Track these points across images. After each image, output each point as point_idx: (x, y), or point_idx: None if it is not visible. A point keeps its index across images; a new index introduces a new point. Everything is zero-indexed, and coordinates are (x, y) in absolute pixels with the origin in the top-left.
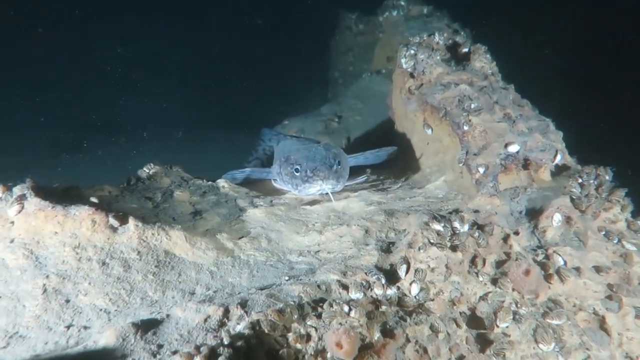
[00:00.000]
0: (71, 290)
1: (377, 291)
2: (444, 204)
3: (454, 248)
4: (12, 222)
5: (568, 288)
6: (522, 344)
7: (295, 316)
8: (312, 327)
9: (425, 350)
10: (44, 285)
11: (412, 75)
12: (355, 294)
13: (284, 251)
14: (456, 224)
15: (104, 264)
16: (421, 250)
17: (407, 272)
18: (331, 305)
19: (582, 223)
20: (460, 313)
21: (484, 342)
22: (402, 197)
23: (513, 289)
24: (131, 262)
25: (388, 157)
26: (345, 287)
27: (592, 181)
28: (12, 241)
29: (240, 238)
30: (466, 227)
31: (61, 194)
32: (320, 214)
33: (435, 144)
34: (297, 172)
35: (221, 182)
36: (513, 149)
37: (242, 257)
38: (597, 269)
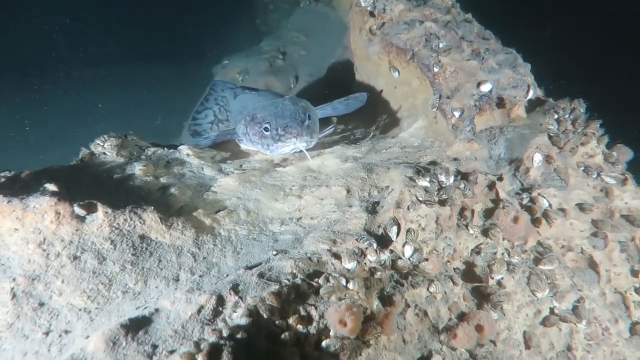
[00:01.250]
0: (43, 291)
1: (371, 257)
2: (422, 154)
3: (442, 203)
4: None
5: (555, 230)
6: (518, 294)
7: (293, 296)
8: (312, 305)
9: (425, 314)
10: (12, 289)
11: (372, 14)
12: (349, 264)
13: (264, 221)
14: (442, 177)
15: (75, 258)
16: (410, 210)
17: (398, 234)
18: (327, 280)
19: (562, 160)
20: (455, 269)
21: (480, 297)
22: (377, 149)
23: (503, 238)
24: (105, 252)
25: (359, 105)
26: (338, 257)
27: (567, 116)
28: None
29: (217, 212)
30: (452, 180)
31: (11, 184)
32: (296, 176)
33: (403, 88)
34: (266, 131)
35: (184, 149)
36: (486, 88)
37: (223, 233)
38: (581, 208)
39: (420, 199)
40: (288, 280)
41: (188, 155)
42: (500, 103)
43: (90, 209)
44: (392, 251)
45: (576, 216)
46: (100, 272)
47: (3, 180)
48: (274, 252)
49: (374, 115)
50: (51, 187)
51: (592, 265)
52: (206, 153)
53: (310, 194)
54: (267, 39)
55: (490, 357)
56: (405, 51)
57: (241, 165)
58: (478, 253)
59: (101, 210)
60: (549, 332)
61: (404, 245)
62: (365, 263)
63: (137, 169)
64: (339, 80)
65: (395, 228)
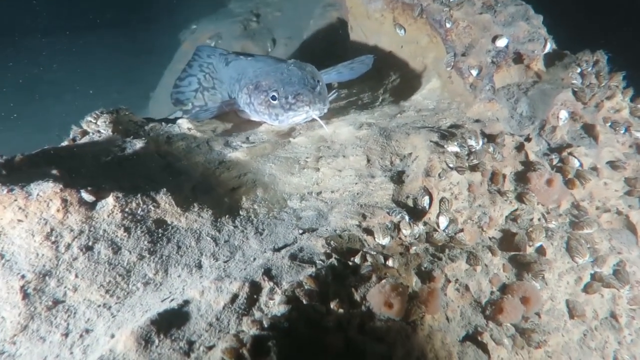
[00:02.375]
0: (56, 287)
1: (405, 231)
2: (440, 117)
3: (473, 168)
4: None
5: (589, 191)
6: (557, 261)
7: (330, 278)
8: (352, 287)
9: (467, 288)
10: (22, 287)
11: None
12: (383, 239)
13: (283, 198)
14: (471, 141)
15: (87, 249)
16: (442, 177)
17: (430, 204)
18: (365, 258)
19: (588, 116)
20: (491, 239)
21: (519, 266)
22: (390, 114)
23: (538, 203)
24: (119, 241)
25: (366, 69)
26: (370, 232)
27: (590, 69)
28: None
29: (232, 190)
30: (480, 143)
31: (6, 171)
32: (308, 147)
33: (411, 46)
34: (274, 99)
35: (184, 123)
36: (502, 43)
37: (242, 213)
38: (613, 166)
39: (451, 165)
40: (322, 261)
41: (189, 129)
42: (518, 58)
43: (99, 195)
44: (425, 223)
45: (609, 175)
46: (116, 263)
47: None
48: (300, 231)
49: (379, 78)
50: (53, 171)
51: (629, 226)
52: (206, 126)
53: (327, 166)
54: (236, 0)
55: (537, 330)
56: (412, 6)
57: (248, 138)
58: (514, 220)
59: (111, 195)
60: (592, 299)
61: (438, 216)
62: (399, 237)
63: (138, 146)
64: (326, 41)
65: (427, 198)
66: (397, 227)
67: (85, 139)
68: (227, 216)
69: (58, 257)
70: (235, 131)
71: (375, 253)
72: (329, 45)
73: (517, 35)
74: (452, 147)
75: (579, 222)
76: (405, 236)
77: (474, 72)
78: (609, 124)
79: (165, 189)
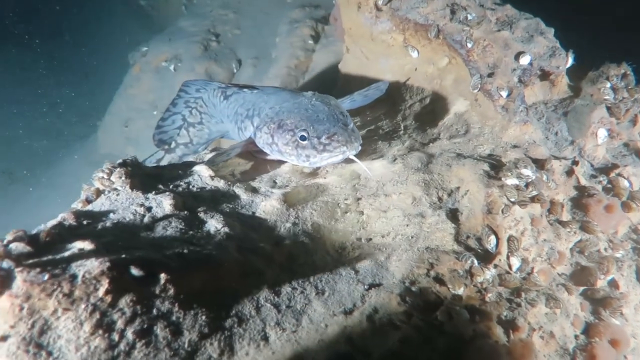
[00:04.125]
0: None
1: (479, 278)
2: (475, 143)
3: (532, 200)
4: None
5: None
6: (630, 294)
7: (421, 341)
8: (443, 349)
9: (551, 334)
10: None
11: None
12: (458, 289)
13: (333, 248)
14: (527, 171)
15: (144, 334)
16: (505, 214)
17: (497, 244)
18: (450, 315)
19: (625, 132)
20: (560, 275)
21: (594, 303)
22: (421, 142)
23: (601, 231)
24: (176, 320)
25: (379, 94)
26: (441, 282)
27: (620, 83)
28: (3, 339)
29: (276, 244)
30: (534, 172)
31: (32, 251)
32: (344, 187)
33: (426, 69)
34: (303, 140)
35: (203, 171)
36: (525, 60)
37: (296, 269)
38: None
39: (513, 200)
40: (404, 322)
41: (212, 177)
42: (543, 75)
43: (147, 269)
44: (496, 265)
45: None
46: (177, 346)
47: (20, 249)
48: (365, 287)
49: (391, 104)
50: (88, 245)
51: None
52: (223, 170)
53: (369, 207)
54: (185, 18)
55: None
56: (427, 27)
57: (274, 181)
58: (581, 252)
59: (162, 272)
60: None
61: (509, 257)
62: (474, 285)
63: (167, 205)
64: (315, 64)
65: (493, 238)
66: (469, 273)
67: (102, 199)
68: (280, 277)
69: (112, 346)
70: (253, 173)
71: (458, 308)
72: (324, 68)
73: (538, 52)
74: (511, 180)
75: None
76: (480, 282)
77: (504, 94)
78: None
79: (214, 254)
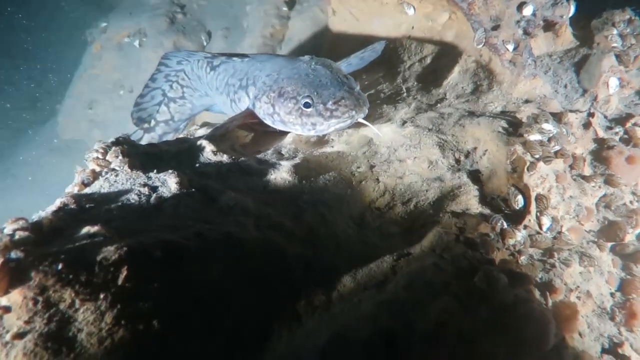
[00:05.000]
0: None
1: (510, 240)
2: (485, 100)
3: (555, 156)
4: None
5: None
6: None
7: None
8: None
9: (588, 294)
10: None
11: None
12: (492, 253)
13: (353, 220)
14: (548, 126)
15: (178, 322)
16: (530, 172)
17: (526, 204)
18: (489, 279)
19: (635, 80)
20: (588, 232)
21: (624, 258)
22: (427, 104)
23: (625, 184)
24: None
25: (375, 56)
26: (472, 245)
27: (627, 29)
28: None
29: (295, 218)
30: (554, 126)
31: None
32: (354, 154)
33: (424, 26)
34: (307, 107)
35: (206, 146)
36: (528, 11)
37: (324, 243)
38: None
39: (537, 156)
40: (443, 291)
41: (215, 152)
42: (547, 26)
43: (168, 251)
44: (525, 226)
45: None
46: (212, 334)
47: (26, 237)
48: (394, 257)
49: (389, 66)
50: (98, 229)
51: None
52: (223, 144)
53: (384, 175)
54: None
55: None
56: None
57: (280, 153)
58: (607, 207)
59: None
60: None
61: (538, 217)
62: (506, 248)
63: (173, 183)
64: (292, 32)
65: (520, 198)
66: (500, 235)
67: (100, 182)
68: (303, 253)
69: (138, 337)
70: (255, 146)
71: (496, 273)
72: (305, 32)
73: (540, 1)
74: (534, 136)
75: None
76: (512, 245)
77: (510, 47)
78: None
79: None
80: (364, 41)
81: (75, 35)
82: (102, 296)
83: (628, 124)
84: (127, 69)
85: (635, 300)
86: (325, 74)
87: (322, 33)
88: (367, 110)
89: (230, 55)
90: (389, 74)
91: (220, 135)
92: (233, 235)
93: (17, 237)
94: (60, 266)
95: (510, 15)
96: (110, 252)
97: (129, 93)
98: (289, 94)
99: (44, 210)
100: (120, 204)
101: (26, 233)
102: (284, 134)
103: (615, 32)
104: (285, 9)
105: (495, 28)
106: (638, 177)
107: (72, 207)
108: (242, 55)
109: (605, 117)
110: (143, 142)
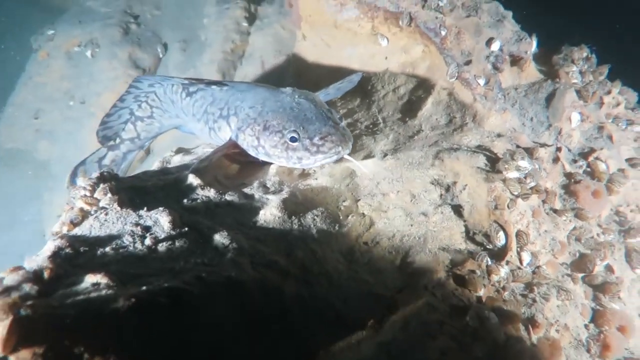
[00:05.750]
0: None
1: (495, 276)
2: (461, 134)
3: (532, 192)
4: None
5: (622, 195)
6: (624, 277)
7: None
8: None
9: (565, 327)
10: None
11: None
12: (480, 291)
13: (342, 255)
14: (523, 163)
15: None
16: (510, 208)
17: (506, 240)
18: (481, 321)
19: (594, 115)
20: (562, 264)
21: (594, 289)
22: (405, 135)
23: (592, 217)
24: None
25: (351, 86)
26: (461, 282)
27: (585, 66)
28: None
29: (288, 255)
30: (529, 163)
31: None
32: (338, 187)
33: (398, 57)
34: (293, 141)
35: (192, 180)
36: (496, 46)
37: (314, 281)
38: (632, 164)
39: (516, 193)
40: (439, 331)
41: (202, 187)
42: (513, 61)
43: (174, 299)
44: (507, 262)
45: (633, 174)
46: None
47: (31, 290)
48: (388, 294)
49: (364, 94)
50: (101, 278)
51: None
52: (207, 174)
53: (369, 208)
54: None
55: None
56: (397, 15)
57: (266, 186)
58: (578, 240)
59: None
60: None
61: (519, 253)
62: (492, 284)
63: (165, 222)
64: (252, 48)
65: (502, 234)
66: (486, 272)
67: (90, 221)
68: (300, 292)
69: None
70: (239, 177)
71: (487, 312)
72: (273, 53)
73: (506, 37)
74: (513, 173)
75: (629, 230)
76: (497, 281)
77: (482, 82)
78: (611, 119)
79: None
80: (337, 66)
81: (19, 40)
82: (111, 349)
83: (590, 158)
84: (78, 79)
85: (608, 332)
86: (310, 108)
87: (286, 53)
88: (351, 146)
89: (209, 83)
90: (363, 103)
91: (203, 167)
92: (233, 278)
93: (23, 291)
94: (69, 321)
95: (480, 50)
96: (118, 303)
97: (81, 104)
98: (275, 128)
99: (38, 255)
100: (114, 245)
101: (30, 285)
102: (266, 164)
103: (575, 69)
104: (245, 24)
105: (468, 63)
106: (601, 209)
107: (68, 251)
108: (221, 84)
109: (570, 150)
110: (106, 159)
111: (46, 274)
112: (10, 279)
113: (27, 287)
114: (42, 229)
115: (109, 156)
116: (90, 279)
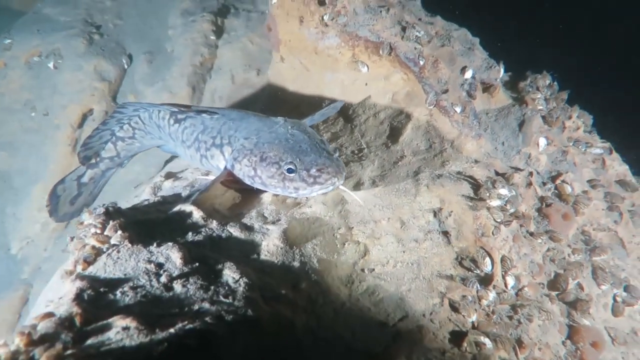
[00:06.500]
0: None
1: (485, 301)
2: (441, 159)
3: (512, 218)
4: None
5: (587, 215)
6: (592, 294)
7: None
8: None
9: (547, 345)
10: None
11: (321, 2)
12: (473, 316)
13: (342, 283)
14: (504, 190)
15: None
16: (495, 235)
17: (492, 265)
18: (478, 347)
19: (557, 139)
20: (540, 285)
21: (569, 305)
22: (388, 161)
23: (562, 238)
24: None
25: (333, 112)
26: (455, 309)
27: (549, 93)
28: None
29: (294, 287)
30: (510, 190)
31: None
32: (332, 215)
33: (377, 84)
34: (290, 172)
35: (194, 212)
36: (469, 74)
37: (320, 312)
38: (593, 185)
39: (499, 220)
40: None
41: (204, 219)
42: (484, 88)
43: (202, 341)
44: (494, 287)
45: (594, 195)
46: None
47: (67, 338)
48: (390, 324)
49: (345, 118)
50: (130, 322)
51: (619, 241)
52: (206, 206)
53: (362, 235)
54: (46, 4)
55: None
56: (377, 45)
57: (264, 215)
58: (552, 261)
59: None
60: (619, 321)
61: (504, 277)
62: (482, 309)
63: (176, 259)
64: (220, 61)
65: (488, 260)
66: (477, 297)
67: (104, 259)
68: (308, 324)
69: None
70: (236, 207)
71: (482, 337)
72: (250, 71)
73: (477, 65)
74: (495, 202)
75: (594, 249)
76: (487, 305)
77: (458, 109)
78: (572, 143)
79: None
80: (315, 91)
81: None
82: None
83: (558, 181)
84: (40, 90)
85: (583, 348)
86: (304, 140)
87: (256, 68)
88: (344, 176)
89: (198, 111)
90: (346, 127)
91: (201, 196)
92: (250, 316)
93: (62, 340)
94: None
95: (455, 78)
96: (152, 349)
97: (44, 116)
98: (272, 159)
99: (62, 298)
100: (132, 284)
101: (65, 332)
102: (261, 191)
103: (540, 96)
104: (213, 37)
105: (445, 91)
106: (569, 230)
107: (90, 292)
108: (211, 112)
109: (539, 173)
110: (85, 177)
111: (77, 320)
112: (44, 327)
113: (63, 336)
114: (6, 243)
115: (88, 174)
116: (119, 323)
